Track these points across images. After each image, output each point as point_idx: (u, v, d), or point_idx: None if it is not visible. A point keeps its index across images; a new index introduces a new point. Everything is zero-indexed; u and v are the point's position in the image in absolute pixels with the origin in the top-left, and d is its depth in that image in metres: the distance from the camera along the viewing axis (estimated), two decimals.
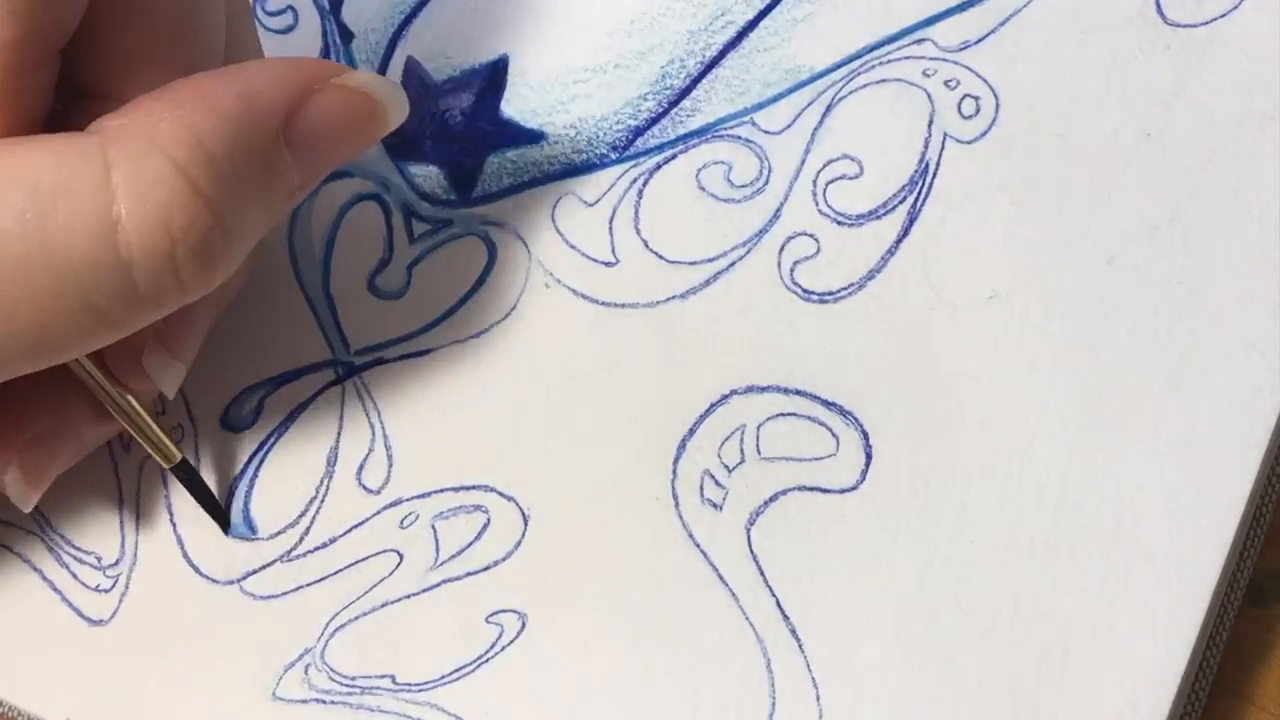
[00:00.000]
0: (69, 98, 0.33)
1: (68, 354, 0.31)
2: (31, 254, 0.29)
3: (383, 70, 0.41)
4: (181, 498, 0.38)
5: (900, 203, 0.37)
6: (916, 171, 0.37)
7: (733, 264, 0.38)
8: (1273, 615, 0.37)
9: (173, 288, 0.30)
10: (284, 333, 0.39)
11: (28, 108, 0.31)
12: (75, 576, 0.38)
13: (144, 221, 0.29)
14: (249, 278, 0.38)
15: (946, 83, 0.38)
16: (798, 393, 0.36)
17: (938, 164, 0.37)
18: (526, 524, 0.37)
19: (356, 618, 0.37)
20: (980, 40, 0.38)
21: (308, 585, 0.37)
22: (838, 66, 0.39)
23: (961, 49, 0.38)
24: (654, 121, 0.39)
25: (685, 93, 0.39)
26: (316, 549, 0.37)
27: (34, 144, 0.29)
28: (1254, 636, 0.36)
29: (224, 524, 0.38)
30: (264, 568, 0.37)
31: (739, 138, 0.39)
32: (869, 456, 0.36)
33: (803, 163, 0.38)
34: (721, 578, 0.35)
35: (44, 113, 0.32)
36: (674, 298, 0.38)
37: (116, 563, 0.38)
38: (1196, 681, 0.35)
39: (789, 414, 0.36)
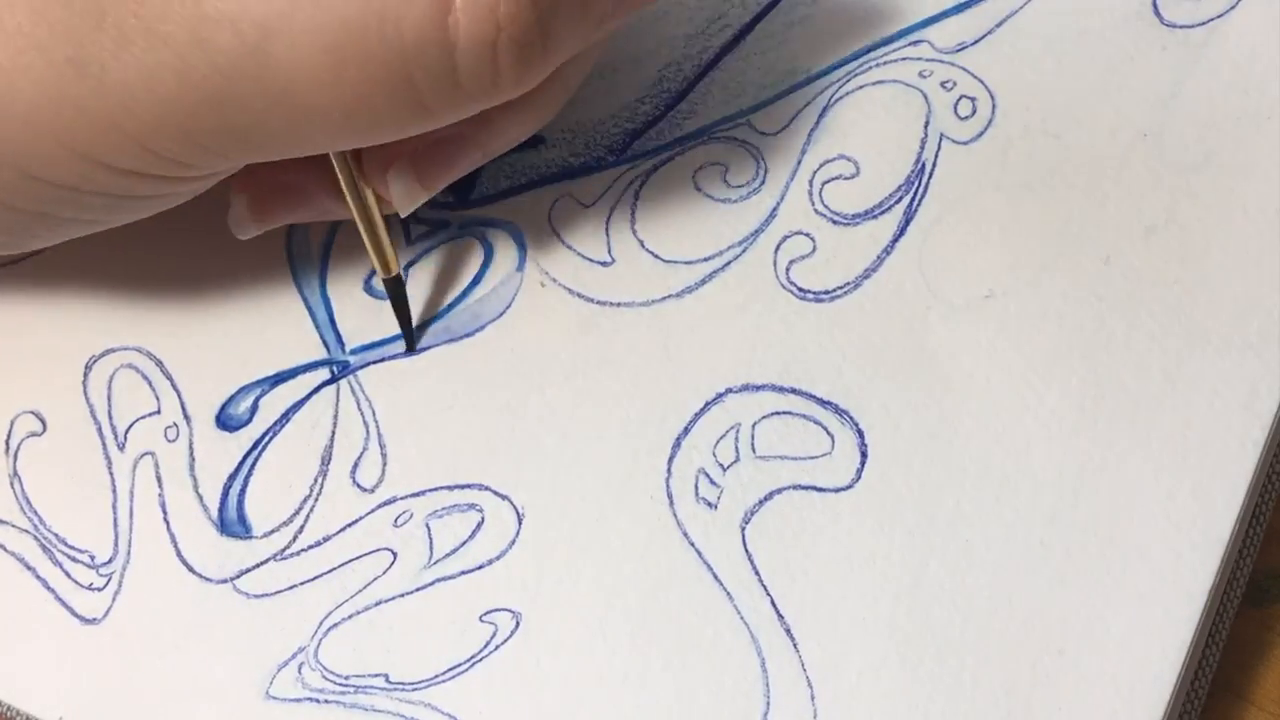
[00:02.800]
0: None
1: (377, 134, 0.32)
2: (369, 20, 0.30)
3: None
4: (175, 495, 0.38)
5: (896, 202, 0.37)
6: (913, 172, 0.37)
7: (729, 263, 0.38)
8: (1272, 615, 0.37)
9: (488, 79, 0.32)
10: (280, 332, 0.39)
11: None
12: (68, 575, 0.38)
13: (474, 6, 0.30)
14: (533, 127, 0.37)
15: (943, 84, 0.38)
16: (793, 391, 0.36)
17: (934, 164, 0.37)
18: (521, 522, 0.36)
19: (350, 616, 0.36)
20: (977, 41, 0.38)
21: (301, 584, 0.37)
22: (834, 68, 0.39)
23: (958, 50, 0.38)
24: (651, 124, 0.39)
25: (682, 95, 0.39)
26: (310, 548, 0.37)
27: None
28: (1253, 636, 0.36)
29: (410, 346, 0.39)
30: (257, 566, 0.37)
31: (735, 139, 0.39)
32: (864, 455, 0.36)
33: (799, 163, 0.38)
34: (716, 577, 0.35)
35: None
36: (670, 297, 0.38)
37: (110, 561, 0.38)
38: (1196, 680, 0.34)
39: (784, 413, 0.36)
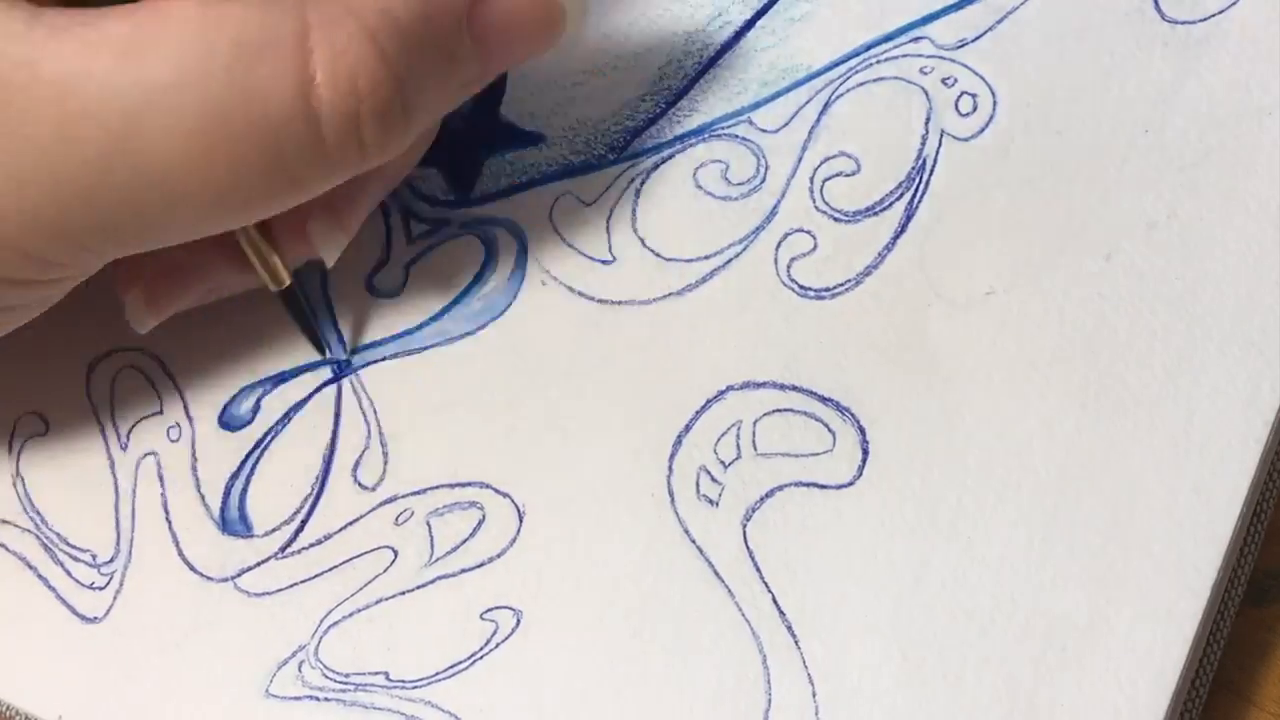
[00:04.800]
0: None
1: (250, 212, 0.33)
2: (233, 103, 0.30)
3: None
4: (177, 495, 0.38)
5: (897, 199, 0.37)
6: (914, 168, 0.37)
7: (729, 261, 0.38)
8: (1272, 614, 0.36)
9: (354, 148, 0.32)
10: (282, 332, 0.39)
11: None
12: (70, 574, 0.38)
13: (335, 80, 0.31)
14: (416, 159, 0.38)
15: (944, 80, 0.38)
16: (794, 389, 0.36)
17: (935, 161, 0.37)
18: (522, 520, 0.36)
19: (351, 614, 0.36)
20: (978, 38, 0.38)
21: (302, 582, 0.37)
22: (835, 65, 0.39)
23: (959, 46, 0.38)
24: (651, 122, 0.39)
25: (683, 93, 0.39)
26: (311, 546, 0.37)
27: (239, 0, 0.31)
28: (1254, 635, 0.36)
29: (321, 351, 0.39)
30: (258, 565, 0.37)
31: (736, 136, 0.39)
32: (866, 452, 0.36)
33: (800, 160, 0.38)
34: (717, 574, 0.35)
35: None
36: (671, 295, 0.38)
37: (111, 560, 0.38)
38: (1196, 680, 0.34)
39: (785, 410, 0.36)
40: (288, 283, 0.37)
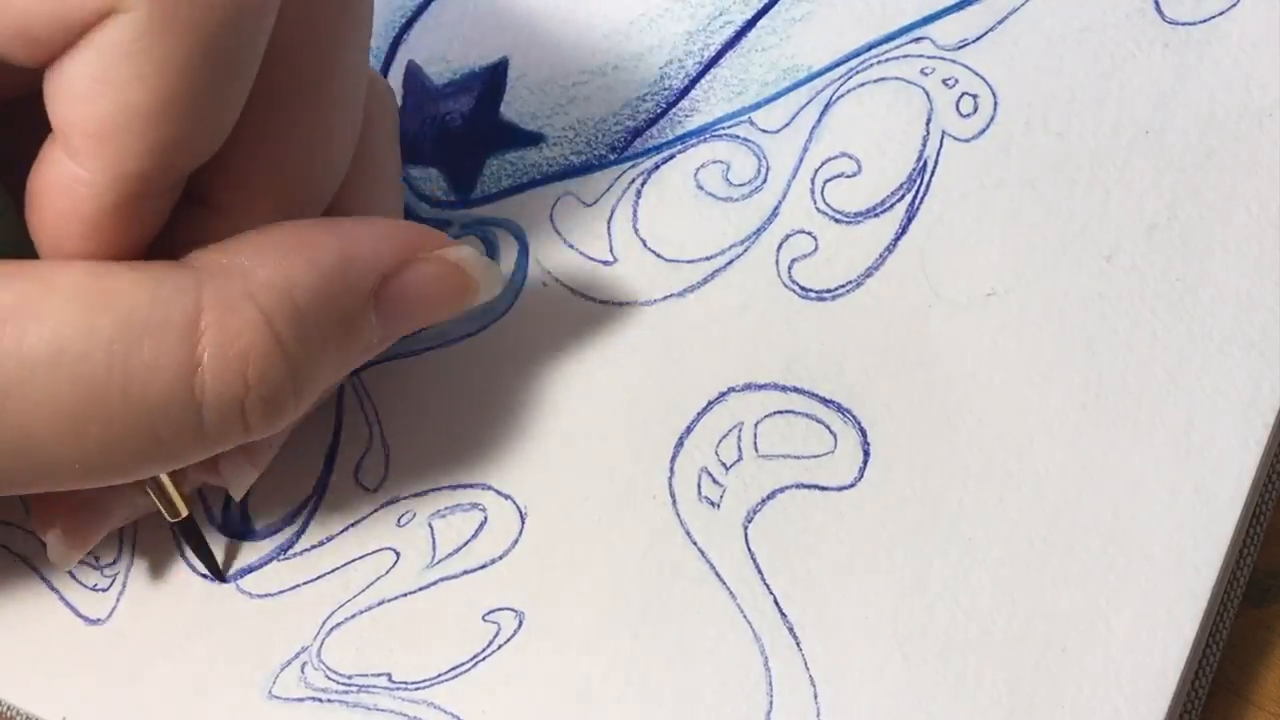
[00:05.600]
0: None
1: (126, 477, 0.32)
2: (112, 383, 0.29)
3: (383, 73, 0.41)
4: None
5: (899, 200, 0.37)
6: (915, 169, 0.37)
7: (731, 262, 0.38)
8: (1272, 615, 0.36)
9: (237, 431, 0.31)
10: None
11: (143, 232, 0.31)
12: (73, 576, 0.38)
13: (223, 368, 0.30)
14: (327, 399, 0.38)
15: (945, 81, 0.38)
16: (795, 390, 0.36)
17: (936, 162, 0.37)
18: (524, 522, 0.37)
19: (353, 616, 0.36)
20: (979, 38, 0.38)
21: (304, 584, 0.37)
22: (836, 65, 0.39)
23: (960, 47, 0.38)
24: (652, 122, 0.39)
25: (684, 93, 0.39)
26: (313, 547, 0.37)
27: (131, 271, 0.30)
28: (1253, 636, 0.36)
29: (219, 577, 0.37)
30: (261, 566, 0.37)
31: (737, 137, 0.39)
32: (867, 454, 0.36)
33: (801, 161, 0.38)
34: (719, 576, 0.35)
35: (156, 233, 0.31)
36: (672, 296, 0.38)
37: (114, 562, 0.38)
38: (1196, 680, 0.34)
39: (787, 412, 0.36)
40: (184, 514, 0.36)
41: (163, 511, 0.36)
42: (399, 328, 0.33)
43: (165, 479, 0.35)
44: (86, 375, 0.29)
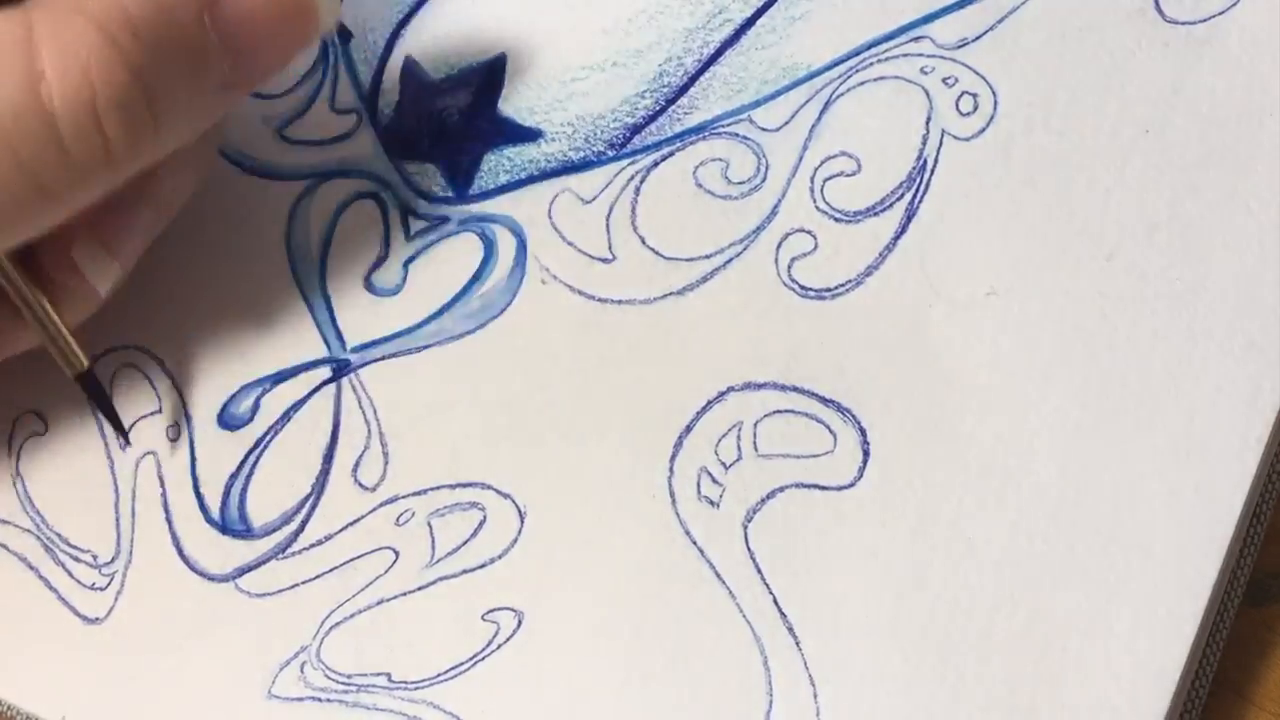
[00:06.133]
0: None
1: (7, 231, 0.32)
2: None
3: (381, 69, 0.41)
4: (177, 495, 0.38)
5: (898, 199, 0.37)
6: (915, 168, 0.37)
7: (730, 261, 0.38)
8: (1272, 614, 0.37)
9: (98, 145, 0.31)
10: (281, 330, 0.39)
11: None
12: (71, 575, 0.38)
13: (66, 72, 0.30)
14: (193, 184, 0.37)
15: (945, 80, 0.38)
16: (795, 389, 0.36)
17: (936, 161, 0.37)
18: (523, 521, 0.36)
19: (352, 615, 0.36)
20: (979, 37, 0.38)
21: (303, 583, 0.37)
22: (835, 64, 0.38)
23: (960, 46, 0.38)
24: (651, 119, 0.39)
25: (683, 90, 0.39)
26: (312, 546, 0.37)
27: None
28: (1253, 635, 0.36)
29: (124, 436, 0.38)
30: (259, 565, 0.37)
31: (736, 135, 0.38)
32: (866, 454, 0.36)
33: (800, 159, 0.38)
34: (719, 575, 0.35)
35: None
36: (671, 294, 0.38)
37: (112, 561, 0.38)
38: (1196, 680, 0.34)
39: (786, 411, 0.36)
40: (85, 366, 0.36)
41: (64, 367, 0.36)
42: (244, 56, 0.33)
43: (62, 328, 0.35)
44: None
